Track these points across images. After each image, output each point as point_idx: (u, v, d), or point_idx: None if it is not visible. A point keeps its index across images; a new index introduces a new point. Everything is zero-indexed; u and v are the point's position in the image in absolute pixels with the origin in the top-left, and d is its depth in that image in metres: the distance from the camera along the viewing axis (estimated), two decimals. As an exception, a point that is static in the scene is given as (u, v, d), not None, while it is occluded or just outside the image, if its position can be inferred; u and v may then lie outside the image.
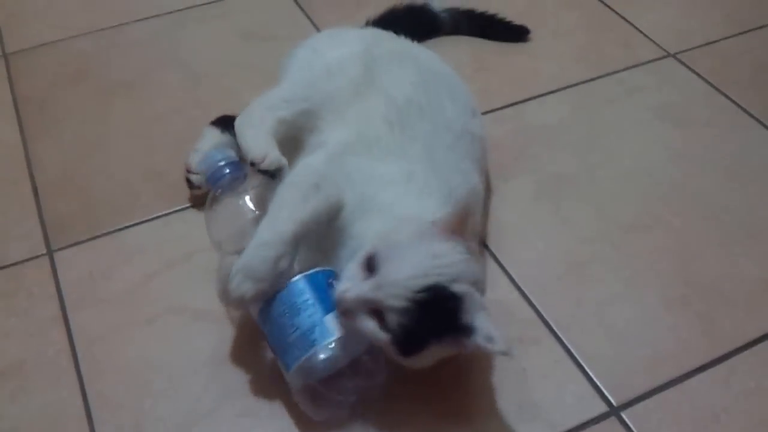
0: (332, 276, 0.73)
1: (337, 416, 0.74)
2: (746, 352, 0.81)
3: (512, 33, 1.23)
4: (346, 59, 0.90)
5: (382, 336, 0.67)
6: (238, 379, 0.78)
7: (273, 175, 0.79)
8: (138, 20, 1.27)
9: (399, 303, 0.66)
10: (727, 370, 0.79)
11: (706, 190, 0.99)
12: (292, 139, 0.86)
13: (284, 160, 0.80)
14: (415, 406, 0.76)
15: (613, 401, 0.77)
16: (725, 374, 0.79)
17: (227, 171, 0.79)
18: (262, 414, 0.75)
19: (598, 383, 0.78)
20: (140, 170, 1.01)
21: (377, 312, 0.67)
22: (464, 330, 0.67)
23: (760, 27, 1.26)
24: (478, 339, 0.67)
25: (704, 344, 0.81)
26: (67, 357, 0.80)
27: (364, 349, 0.70)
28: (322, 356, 0.68)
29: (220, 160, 0.80)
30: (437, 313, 0.67)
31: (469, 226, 0.72)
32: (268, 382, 0.76)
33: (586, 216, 0.95)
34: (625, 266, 0.89)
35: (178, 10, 1.29)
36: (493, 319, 0.68)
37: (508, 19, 1.23)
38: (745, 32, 1.25)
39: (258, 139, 0.82)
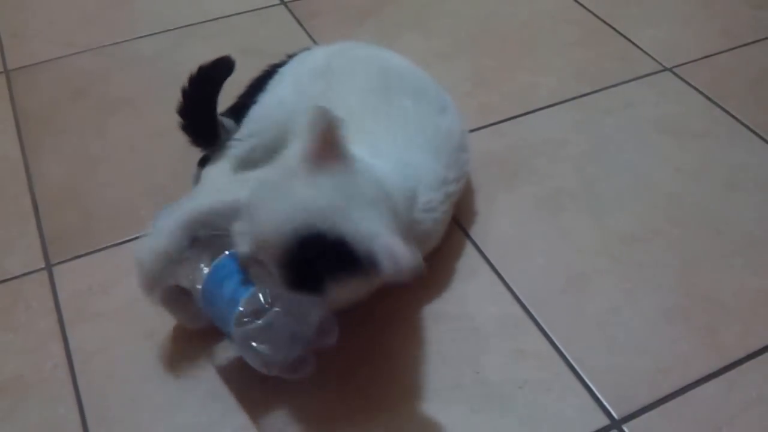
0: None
1: (302, 374, 0.73)
2: (748, 363, 0.80)
3: None
4: (304, 80, 0.92)
5: (274, 282, 0.68)
6: (237, 394, 0.77)
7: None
8: (139, 37, 1.28)
9: (275, 259, 0.66)
10: (729, 382, 0.79)
11: (705, 202, 0.99)
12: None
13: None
14: (413, 415, 0.75)
15: (614, 414, 0.76)
16: (727, 386, 0.78)
17: None
18: (260, 429, 0.75)
19: (600, 396, 0.77)
20: (140, 185, 1.01)
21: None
22: (357, 264, 0.64)
23: (757, 41, 1.27)
24: (383, 269, 0.62)
25: (705, 356, 0.81)
26: (64, 371, 0.80)
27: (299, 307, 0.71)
28: (246, 312, 0.70)
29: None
30: (318, 258, 0.65)
31: (338, 142, 0.68)
32: (268, 398, 0.76)
33: (586, 228, 0.95)
34: (625, 278, 0.89)
35: (180, 27, 1.30)
36: (395, 238, 0.63)
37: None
38: (742, 46, 1.25)
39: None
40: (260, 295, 0.70)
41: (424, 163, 0.84)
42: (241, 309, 0.70)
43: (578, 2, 1.36)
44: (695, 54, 1.24)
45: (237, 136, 0.94)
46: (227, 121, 0.99)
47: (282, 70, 0.99)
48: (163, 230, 0.75)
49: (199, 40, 1.28)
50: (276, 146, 0.88)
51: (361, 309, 0.78)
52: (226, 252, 0.75)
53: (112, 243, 0.93)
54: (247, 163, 0.92)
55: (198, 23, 1.32)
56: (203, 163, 0.98)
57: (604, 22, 1.31)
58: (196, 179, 0.98)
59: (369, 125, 0.84)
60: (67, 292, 0.88)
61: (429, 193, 0.82)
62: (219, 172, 0.92)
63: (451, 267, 0.89)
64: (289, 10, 1.34)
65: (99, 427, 0.75)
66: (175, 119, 1.10)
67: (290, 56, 1.02)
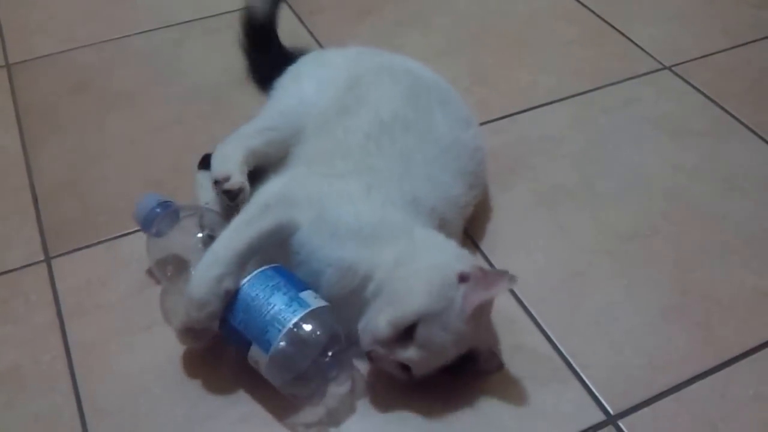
0: (283, 269, 0.76)
1: (320, 393, 0.75)
2: (744, 361, 0.81)
3: None
4: (325, 83, 0.93)
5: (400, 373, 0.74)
6: (235, 385, 0.78)
7: (234, 197, 0.84)
8: (140, 32, 1.29)
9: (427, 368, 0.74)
10: (725, 379, 0.79)
11: (702, 200, 0.99)
12: (284, 160, 0.90)
13: (246, 185, 0.85)
14: (412, 412, 0.76)
15: (610, 410, 0.76)
16: (723, 383, 0.79)
17: (158, 210, 0.84)
18: (259, 421, 0.75)
19: (596, 392, 0.78)
20: (139, 179, 1.01)
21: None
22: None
23: (756, 40, 1.27)
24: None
25: (702, 353, 0.81)
26: (62, 363, 0.80)
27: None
28: (305, 324, 0.71)
29: (152, 204, 0.85)
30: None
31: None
32: (266, 390, 0.76)
33: (584, 226, 0.96)
34: (623, 275, 0.89)
35: (181, 23, 1.31)
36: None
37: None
38: (741, 45, 1.26)
39: (226, 162, 0.87)
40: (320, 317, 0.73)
41: (446, 187, 0.85)
42: (297, 319, 0.71)
43: (578, 0, 1.36)
44: (695, 53, 1.24)
45: (258, 128, 0.93)
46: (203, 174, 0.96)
47: (297, 69, 0.99)
48: (218, 260, 0.73)
49: (200, 35, 1.28)
50: (289, 142, 0.90)
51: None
52: (271, 265, 0.75)
53: (111, 236, 0.94)
54: (260, 156, 0.91)
55: (199, 19, 1.32)
56: (203, 165, 0.97)
57: (604, 20, 1.32)
58: (201, 186, 0.96)
59: (399, 139, 0.84)
60: (66, 284, 0.88)
61: (448, 215, 0.84)
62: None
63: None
64: (290, 7, 1.35)
65: (96, 419, 0.75)
66: (175, 113, 1.11)
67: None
